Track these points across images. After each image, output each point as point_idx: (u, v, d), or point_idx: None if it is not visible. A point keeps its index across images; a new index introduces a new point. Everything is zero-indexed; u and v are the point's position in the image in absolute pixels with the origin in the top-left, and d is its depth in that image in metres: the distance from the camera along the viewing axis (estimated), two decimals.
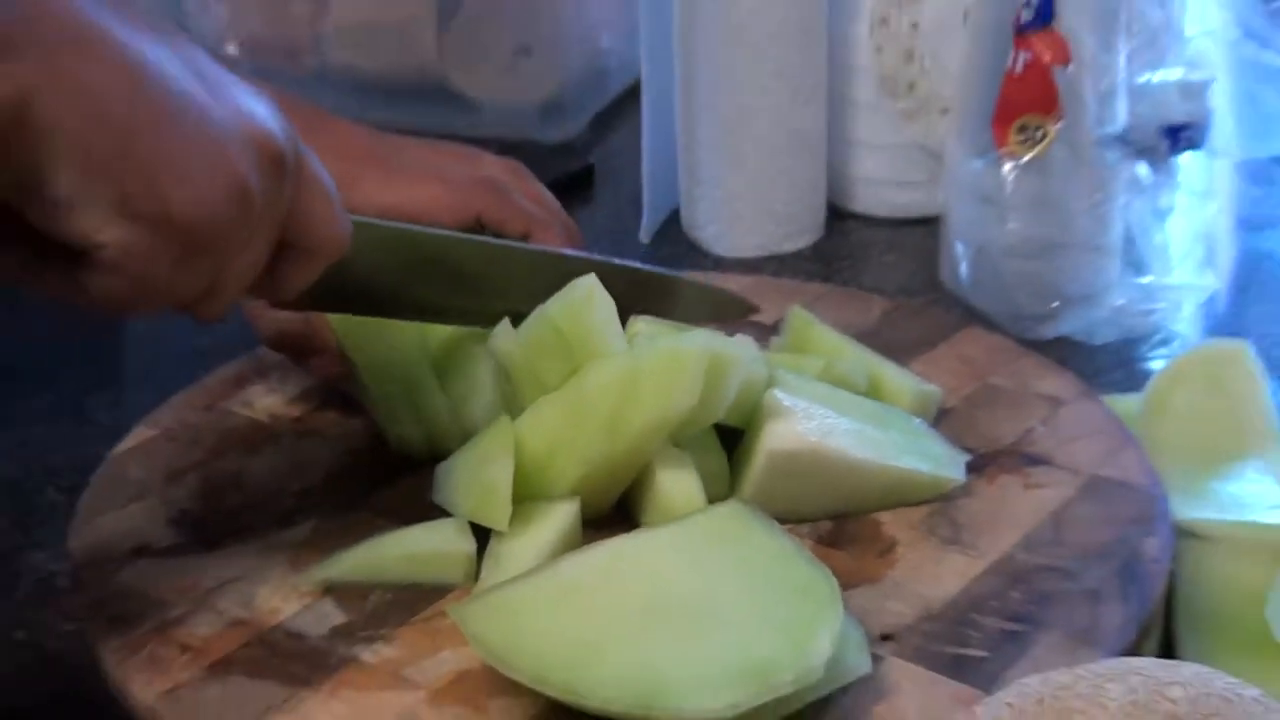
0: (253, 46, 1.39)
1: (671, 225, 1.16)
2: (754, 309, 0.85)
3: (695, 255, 1.13)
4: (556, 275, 0.73)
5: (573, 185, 1.23)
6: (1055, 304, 1.00)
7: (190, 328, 0.67)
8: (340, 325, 0.76)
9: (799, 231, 1.13)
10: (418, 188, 0.81)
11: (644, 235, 1.14)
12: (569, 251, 0.80)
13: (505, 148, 1.28)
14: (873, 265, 1.12)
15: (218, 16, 1.40)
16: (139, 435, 0.79)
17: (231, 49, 1.39)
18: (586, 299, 0.71)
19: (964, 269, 1.03)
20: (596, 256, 0.80)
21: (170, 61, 0.58)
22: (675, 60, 1.11)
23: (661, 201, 1.15)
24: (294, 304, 0.69)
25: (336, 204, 0.65)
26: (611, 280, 0.73)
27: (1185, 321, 1.01)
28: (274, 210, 0.62)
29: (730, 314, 0.84)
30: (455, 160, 0.86)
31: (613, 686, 0.58)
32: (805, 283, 0.97)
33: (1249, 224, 1.18)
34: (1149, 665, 0.51)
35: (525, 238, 0.82)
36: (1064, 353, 0.99)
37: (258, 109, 0.61)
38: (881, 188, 1.16)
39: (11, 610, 0.78)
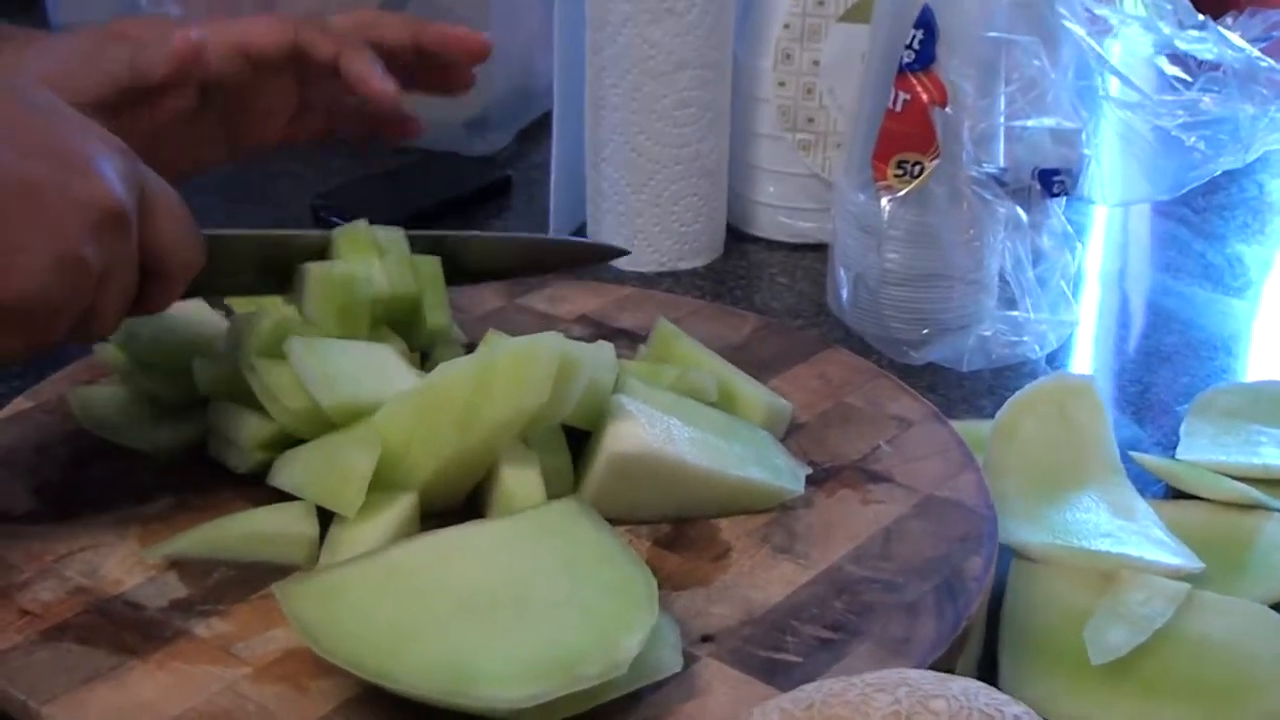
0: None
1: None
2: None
3: (598, 267, 1.10)
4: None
5: (490, 195, 1.21)
6: (925, 331, 0.98)
7: None
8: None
9: (697, 251, 1.11)
10: (248, 20, 0.83)
11: None
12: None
13: (431, 158, 1.27)
14: (765, 286, 1.10)
15: None
16: (16, 406, 0.76)
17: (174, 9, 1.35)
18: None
19: (845, 294, 1.01)
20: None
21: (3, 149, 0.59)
22: (586, 83, 1.08)
23: (568, 215, 1.12)
24: None
25: (186, 223, 0.66)
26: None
27: (1050, 355, 0.99)
28: (122, 254, 0.62)
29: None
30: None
31: (422, 672, 0.56)
32: (684, 297, 0.95)
33: (1116, 267, 1.17)
34: (922, 678, 0.48)
35: (336, 58, 0.83)
36: (934, 379, 0.97)
37: (101, 168, 0.61)
38: (780, 213, 1.14)
39: None
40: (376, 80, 0.81)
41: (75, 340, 0.65)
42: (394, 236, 0.77)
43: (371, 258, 0.75)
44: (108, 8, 1.38)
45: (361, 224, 0.76)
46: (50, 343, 0.62)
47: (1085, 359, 1.01)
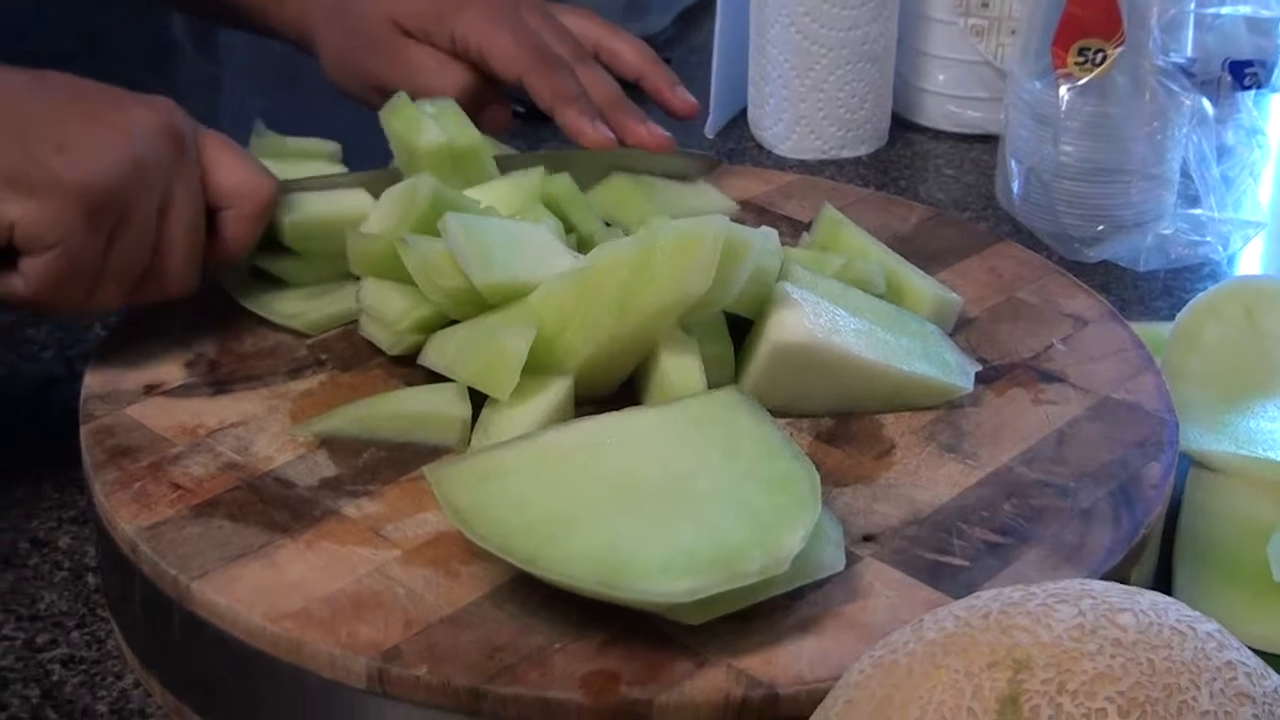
0: None
1: (738, 124, 1.10)
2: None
3: (758, 154, 1.07)
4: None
5: None
6: (1101, 228, 0.93)
7: None
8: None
9: (861, 139, 1.07)
10: (496, 32, 0.83)
11: (709, 131, 1.08)
12: None
13: None
14: (930, 177, 1.06)
15: None
16: None
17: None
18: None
19: (1016, 187, 0.97)
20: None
21: (49, 87, 0.65)
22: None
23: (729, 100, 1.09)
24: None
25: (249, 159, 0.69)
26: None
27: (1233, 255, 0.94)
28: (182, 175, 0.65)
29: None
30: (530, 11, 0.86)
31: (576, 561, 0.54)
32: (849, 185, 0.91)
33: None
34: (1107, 590, 0.45)
35: (550, 112, 0.82)
36: (1108, 277, 0.93)
37: (156, 102, 0.66)
38: (947, 102, 1.10)
39: (35, 440, 0.75)
40: (588, 135, 0.81)
41: (151, 292, 0.66)
42: (443, 103, 0.77)
43: (422, 118, 0.75)
44: None
45: (402, 96, 0.77)
46: (108, 275, 0.64)
47: (1269, 261, 0.96)
